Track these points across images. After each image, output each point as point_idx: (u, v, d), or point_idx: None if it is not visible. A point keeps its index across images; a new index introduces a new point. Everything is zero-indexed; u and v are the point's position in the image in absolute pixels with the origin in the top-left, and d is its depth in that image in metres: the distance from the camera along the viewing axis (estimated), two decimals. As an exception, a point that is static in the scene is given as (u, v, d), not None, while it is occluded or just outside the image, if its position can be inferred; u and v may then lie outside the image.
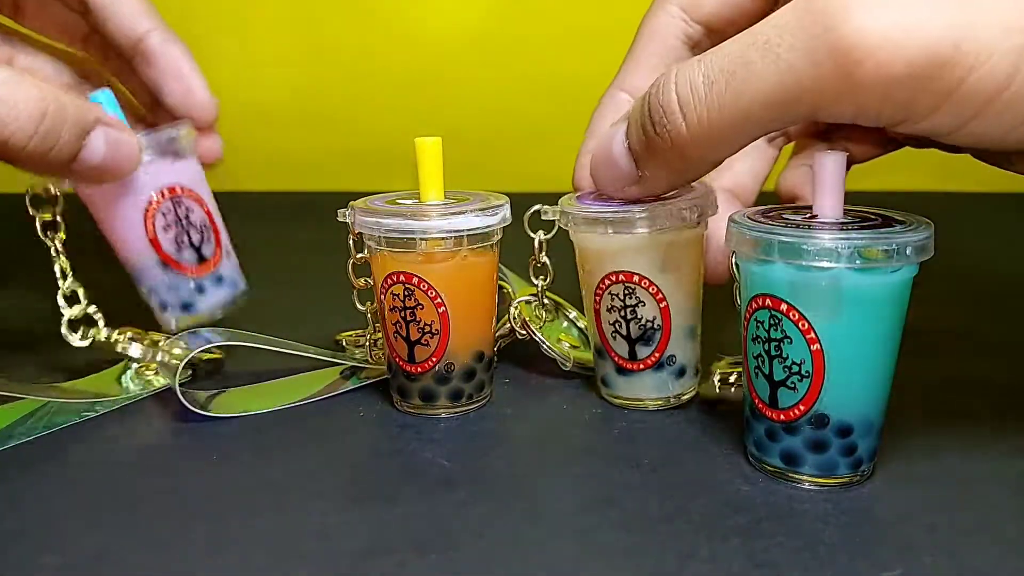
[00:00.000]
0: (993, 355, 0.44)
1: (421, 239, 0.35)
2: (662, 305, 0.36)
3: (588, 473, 0.33)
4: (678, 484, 0.31)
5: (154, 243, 0.41)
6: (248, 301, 0.56)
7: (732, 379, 0.38)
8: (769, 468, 0.32)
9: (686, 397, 0.38)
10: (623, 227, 0.35)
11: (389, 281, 0.36)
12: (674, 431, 0.36)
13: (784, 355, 0.30)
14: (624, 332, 0.37)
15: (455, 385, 0.38)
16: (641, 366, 0.37)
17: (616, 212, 0.35)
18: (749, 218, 0.31)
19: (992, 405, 0.38)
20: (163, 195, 0.41)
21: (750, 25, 0.36)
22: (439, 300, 0.36)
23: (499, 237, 0.37)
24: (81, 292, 0.42)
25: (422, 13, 0.89)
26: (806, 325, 0.29)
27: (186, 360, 0.36)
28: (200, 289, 0.43)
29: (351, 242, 0.38)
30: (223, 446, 0.35)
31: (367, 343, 0.41)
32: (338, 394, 0.40)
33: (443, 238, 0.36)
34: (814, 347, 0.29)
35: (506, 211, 0.37)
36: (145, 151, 0.40)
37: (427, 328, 0.37)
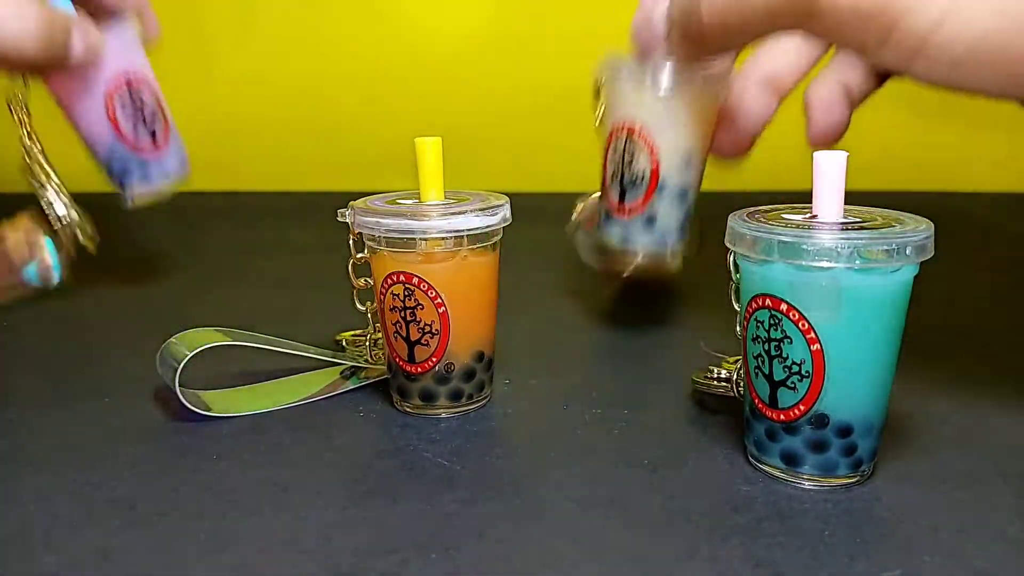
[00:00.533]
0: (993, 355, 0.44)
1: (421, 239, 0.35)
2: (653, 164, 0.40)
3: (588, 473, 0.33)
4: (678, 484, 0.31)
5: (115, 125, 0.48)
6: (248, 301, 0.56)
7: (723, 374, 0.38)
8: (769, 468, 0.32)
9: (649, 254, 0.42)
10: (632, 78, 0.39)
11: (389, 281, 0.36)
12: (674, 431, 0.36)
13: (784, 355, 0.30)
14: (619, 178, 0.41)
15: (455, 385, 0.38)
16: (627, 214, 0.41)
17: (633, 66, 0.39)
18: (749, 217, 0.31)
19: (992, 405, 0.38)
20: (120, 82, 0.47)
21: None
22: (439, 300, 0.36)
23: (499, 237, 0.37)
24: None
25: (424, 14, 0.89)
26: (806, 325, 0.29)
27: (185, 361, 0.36)
28: (153, 164, 0.50)
29: (351, 242, 0.38)
30: (223, 446, 0.35)
31: (367, 343, 0.41)
32: (338, 394, 0.40)
33: (443, 238, 0.36)
34: (814, 347, 0.29)
35: (506, 211, 0.37)
36: (104, 43, 0.44)
37: (427, 328, 0.37)
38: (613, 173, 0.41)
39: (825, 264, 0.28)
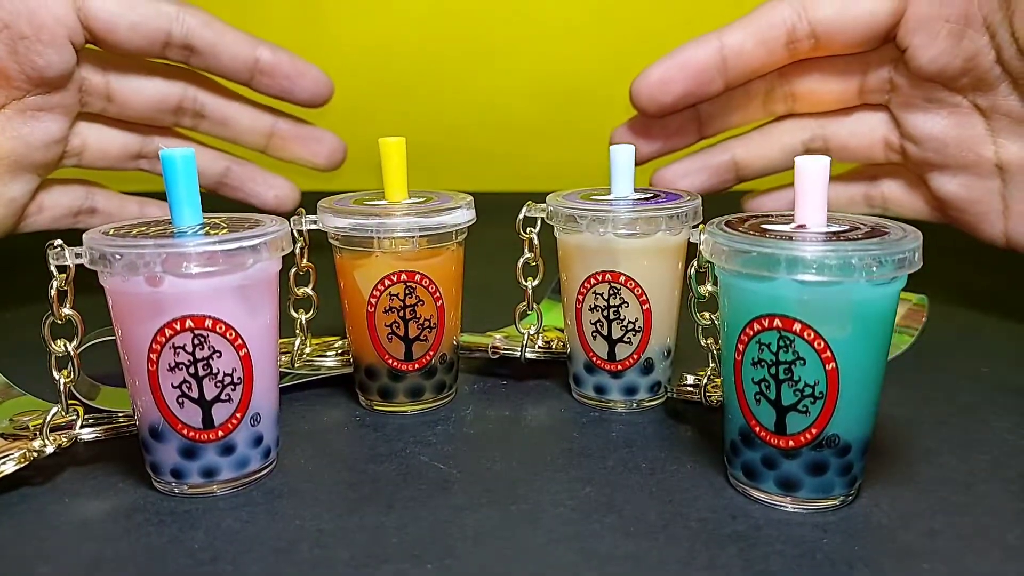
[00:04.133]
0: (993, 355, 0.44)
1: (423, 235, 0.36)
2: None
3: (586, 477, 0.32)
4: (677, 488, 0.31)
5: (152, 382, 0.30)
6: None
7: (691, 380, 0.37)
8: (760, 494, 0.30)
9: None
10: (599, 226, 0.36)
11: (388, 282, 0.36)
12: (672, 434, 0.36)
13: (796, 377, 0.28)
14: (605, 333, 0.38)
15: (439, 378, 0.38)
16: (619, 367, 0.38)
17: (596, 210, 0.36)
18: (735, 229, 0.30)
19: (992, 405, 0.38)
20: (181, 326, 0.30)
21: (853, 43, 0.44)
22: (438, 294, 0.37)
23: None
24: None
25: (422, 13, 0.88)
26: (822, 344, 0.28)
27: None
28: (201, 456, 0.31)
29: (299, 249, 0.38)
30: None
31: (294, 351, 0.40)
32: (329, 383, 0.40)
33: (447, 232, 0.36)
34: (829, 366, 0.28)
35: (473, 206, 0.38)
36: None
37: (427, 323, 0.37)
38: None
39: (842, 278, 0.27)
